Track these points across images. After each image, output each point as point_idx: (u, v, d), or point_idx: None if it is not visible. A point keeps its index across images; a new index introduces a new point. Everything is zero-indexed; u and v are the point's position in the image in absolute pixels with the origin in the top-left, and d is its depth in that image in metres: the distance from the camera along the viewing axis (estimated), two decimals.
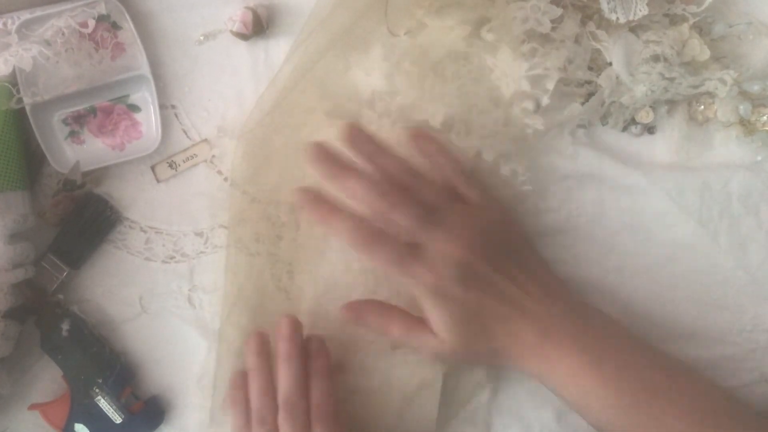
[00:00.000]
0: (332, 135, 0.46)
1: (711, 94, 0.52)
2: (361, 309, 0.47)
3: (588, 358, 0.43)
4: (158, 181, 0.53)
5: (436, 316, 0.44)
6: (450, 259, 0.43)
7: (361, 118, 0.49)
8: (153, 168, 0.53)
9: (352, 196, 0.44)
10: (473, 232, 0.45)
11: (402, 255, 0.43)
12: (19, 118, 0.50)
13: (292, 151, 0.51)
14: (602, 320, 0.47)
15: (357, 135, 0.46)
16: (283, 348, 0.46)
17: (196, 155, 0.53)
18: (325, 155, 0.44)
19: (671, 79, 0.50)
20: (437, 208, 0.45)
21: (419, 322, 0.45)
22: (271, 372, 0.47)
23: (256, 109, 0.51)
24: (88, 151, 0.52)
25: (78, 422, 0.50)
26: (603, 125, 0.53)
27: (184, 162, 0.53)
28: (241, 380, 0.48)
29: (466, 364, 0.50)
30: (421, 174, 0.46)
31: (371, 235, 0.43)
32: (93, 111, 0.52)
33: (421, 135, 0.48)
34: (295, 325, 0.47)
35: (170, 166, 0.53)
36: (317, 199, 0.44)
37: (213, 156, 0.53)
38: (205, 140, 0.53)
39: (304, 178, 0.50)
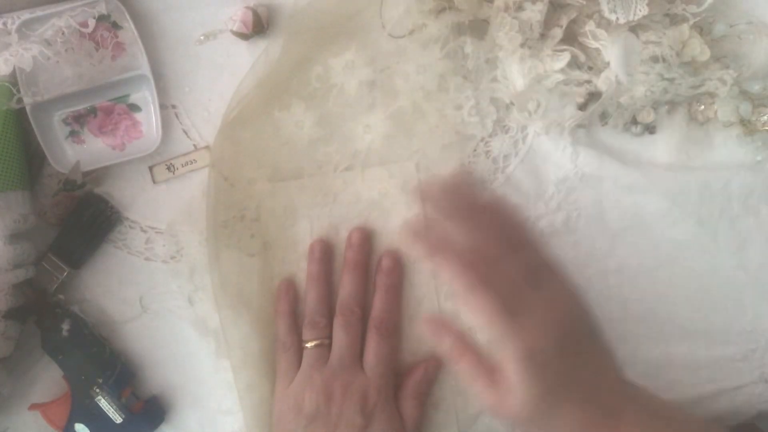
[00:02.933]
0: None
1: (711, 94, 0.52)
2: (445, 328, 0.44)
3: None
4: (155, 182, 0.53)
5: (524, 377, 0.39)
6: (555, 324, 0.40)
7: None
8: (151, 169, 0.53)
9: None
10: (569, 306, 0.42)
11: (509, 306, 0.39)
12: (20, 117, 0.50)
13: (260, 144, 0.52)
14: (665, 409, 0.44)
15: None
16: (351, 256, 0.49)
17: (195, 161, 0.52)
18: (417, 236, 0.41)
19: (671, 80, 0.50)
20: (538, 271, 0.42)
21: (491, 369, 0.42)
22: (330, 282, 0.50)
23: (229, 107, 0.52)
24: (88, 150, 0.52)
25: (78, 422, 0.50)
26: (603, 125, 0.53)
27: (182, 166, 0.53)
28: (286, 290, 0.50)
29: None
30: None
31: (481, 277, 0.39)
32: (93, 111, 0.52)
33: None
34: (366, 236, 0.50)
35: (168, 168, 0.53)
36: (424, 233, 0.41)
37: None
38: (207, 147, 0.53)
39: (274, 173, 0.52)
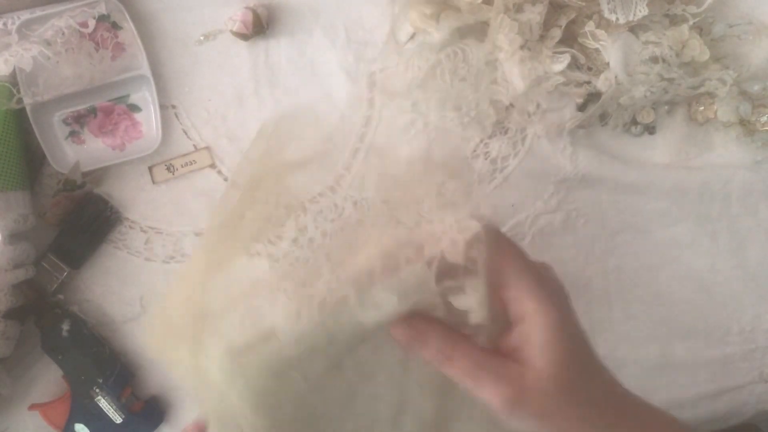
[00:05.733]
0: None
1: (711, 95, 0.52)
2: (423, 329, 0.36)
3: None
4: (154, 182, 0.53)
5: (555, 342, 0.35)
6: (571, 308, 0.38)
7: None
8: (150, 169, 0.53)
9: None
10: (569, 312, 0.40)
11: (540, 278, 0.37)
12: (20, 118, 0.50)
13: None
14: None
15: None
16: None
17: (195, 161, 0.53)
18: None
19: (670, 80, 0.50)
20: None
21: (493, 353, 0.37)
22: None
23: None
24: (88, 151, 0.52)
25: (78, 422, 0.50)
26: (602, 126, 0.53)
27: (182, 167, 0.53)
28: None
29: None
30: None
31: (519, 251, 0.37)
32: (93, 111, 0.52)
33: None
34: None
35: (168, 169, 0.53)
36: None
37: (213, 163, 0.53)
38: (206, 148, 0.53)
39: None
